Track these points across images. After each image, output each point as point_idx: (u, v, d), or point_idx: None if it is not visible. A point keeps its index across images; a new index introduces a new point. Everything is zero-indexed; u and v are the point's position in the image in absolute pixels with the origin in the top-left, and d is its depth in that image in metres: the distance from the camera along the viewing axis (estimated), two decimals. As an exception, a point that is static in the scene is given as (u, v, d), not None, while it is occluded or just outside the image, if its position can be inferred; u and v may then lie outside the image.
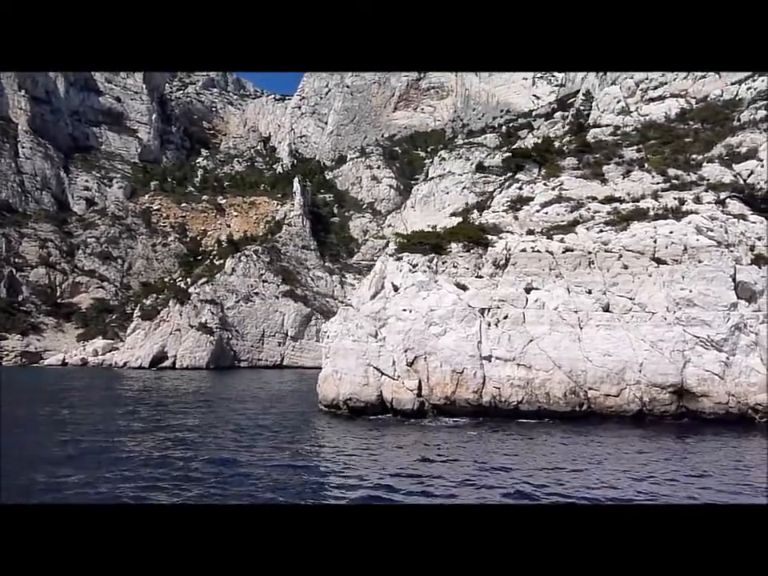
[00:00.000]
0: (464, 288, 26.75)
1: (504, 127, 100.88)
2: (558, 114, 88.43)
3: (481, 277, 27.33)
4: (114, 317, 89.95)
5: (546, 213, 30.11)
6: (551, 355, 24.01)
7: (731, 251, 24.22)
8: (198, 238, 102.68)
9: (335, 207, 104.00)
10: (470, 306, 25.47)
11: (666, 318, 23.62)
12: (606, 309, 25.15)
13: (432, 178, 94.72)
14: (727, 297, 23.15)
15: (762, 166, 28.18)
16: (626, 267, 25.78)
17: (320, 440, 20.93)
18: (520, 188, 32.58)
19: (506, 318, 25.08)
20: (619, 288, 25.39)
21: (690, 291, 23.48)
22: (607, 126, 38.43)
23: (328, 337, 28.94)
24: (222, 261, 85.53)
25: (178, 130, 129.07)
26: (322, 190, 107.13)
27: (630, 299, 24.99)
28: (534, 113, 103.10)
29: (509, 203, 31.64)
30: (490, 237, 28.86)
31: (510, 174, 39.18)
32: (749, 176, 28.47)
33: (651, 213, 27.90)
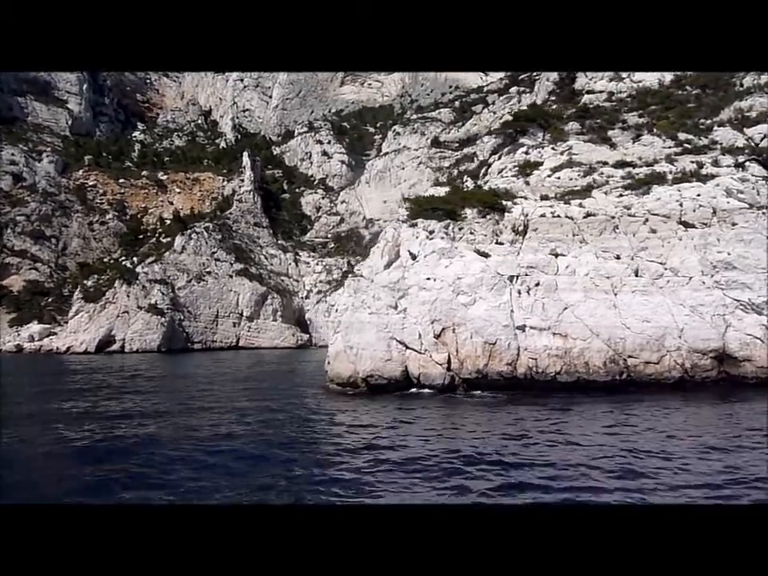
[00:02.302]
0: (485, 255, 25.28)
1: (457, 102, 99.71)
2: (513, 90, 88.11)
3: (501, 243, 25.93)
4: (49, 300, 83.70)
5: (559, 178, 28.97)
6: (588, 323, 22.89)
7: (764, 213, 23.75)
8: (139, 216, 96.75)
9: (285, 183, 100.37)
10: (498, 273, 23.99)
11: (704, 282, 22.92)
12: (636, 274, 24.27)
13: (386, 153, 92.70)
14: (766, 259, 22.64)
15: (775, 130, 27.99)
16: (653, 231, 24.96)
17: (363, 425, 18.70)
18: (526, 152, 31.27)
19: (537, 285, 23.76)
20: (649, 253, 24.55)
21: (728, 254, 22.85)
22: (601, 92, 37.68)
23: (337, 311, 26.87)
24: (169, 239, 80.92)
25: (112, 101, 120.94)
26: (270, 166, 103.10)
27: (661, 264, 24.19)
28: (485, 89, 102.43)
29: (517, 168, 30.29)
30: (504, 202, 27.47)
31: (501, 141, 37.88)
32: (761, 140, 28.20)
33: (669, 177, 27.19)
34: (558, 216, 26.19)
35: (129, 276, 72.66)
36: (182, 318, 73.41)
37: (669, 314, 22.74)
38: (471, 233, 26.33)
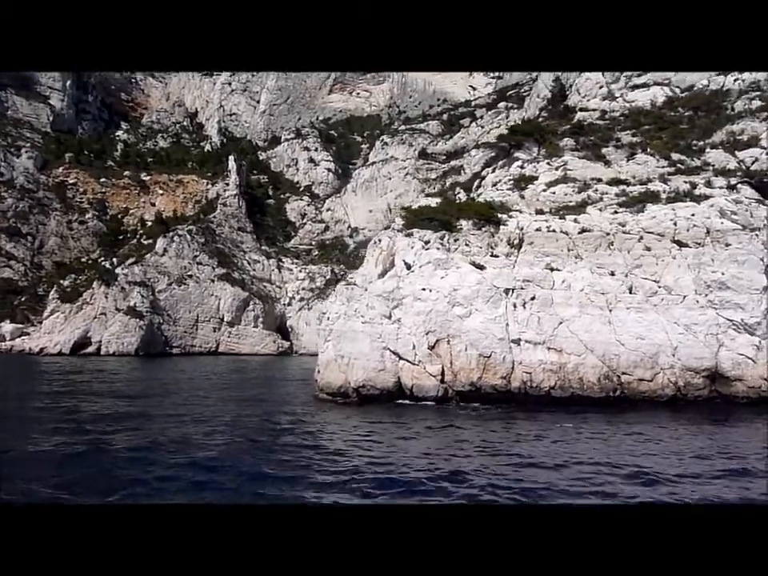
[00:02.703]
0: (481, 267, 25.15)
1: (445, 115, 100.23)
2: (501, 105, 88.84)
3: (496, 256, 25.83)
4: (23, 299, 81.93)
5: (554, 193, 29.02)
6: (583, 338, 22.84)
7: (757, 235, 23.98)
8: (120, 216, 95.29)
9: (270, 189, 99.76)
10: (494, 285, 23.86)
11: (698, 302, 23.03)
12: (630, 291, 24.32)
13: (374, 162, 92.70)
14: (759, 280, 22.83)
15: (766, 154, 28.36)
16: (648, 249, 25.05)
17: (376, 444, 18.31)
18: (521, 166, 31.32)
19: (533, 299, 23.68)
20: (643, 270, 24.62)
21: (722, 274, 23.00)
22: (594, 110, 37.99)
23: (328, 318, 26.50)
24: (150, 240, 79.74)
25: (95, 99, 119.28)
26: (255, 171, 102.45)
27: (655, 282, 24.27)
28: (473, 103, 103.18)
29: (512, 181, 30.30)
30: (499, 215, 27.42)
31: (494, 154, 37.98)
32: (752, 163, 28.56)
33: (663, 196, 27.39)
34: (554, 231, 26.21)
35: (107, 277, 71.32)
36: (161, 321, 72.22)
37: (663, 331, 22.79)
38: (467, 244, 26.20)
